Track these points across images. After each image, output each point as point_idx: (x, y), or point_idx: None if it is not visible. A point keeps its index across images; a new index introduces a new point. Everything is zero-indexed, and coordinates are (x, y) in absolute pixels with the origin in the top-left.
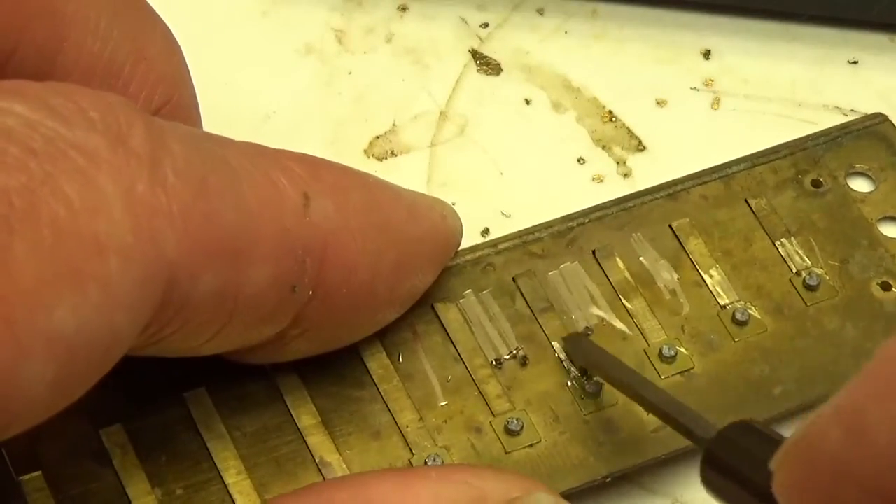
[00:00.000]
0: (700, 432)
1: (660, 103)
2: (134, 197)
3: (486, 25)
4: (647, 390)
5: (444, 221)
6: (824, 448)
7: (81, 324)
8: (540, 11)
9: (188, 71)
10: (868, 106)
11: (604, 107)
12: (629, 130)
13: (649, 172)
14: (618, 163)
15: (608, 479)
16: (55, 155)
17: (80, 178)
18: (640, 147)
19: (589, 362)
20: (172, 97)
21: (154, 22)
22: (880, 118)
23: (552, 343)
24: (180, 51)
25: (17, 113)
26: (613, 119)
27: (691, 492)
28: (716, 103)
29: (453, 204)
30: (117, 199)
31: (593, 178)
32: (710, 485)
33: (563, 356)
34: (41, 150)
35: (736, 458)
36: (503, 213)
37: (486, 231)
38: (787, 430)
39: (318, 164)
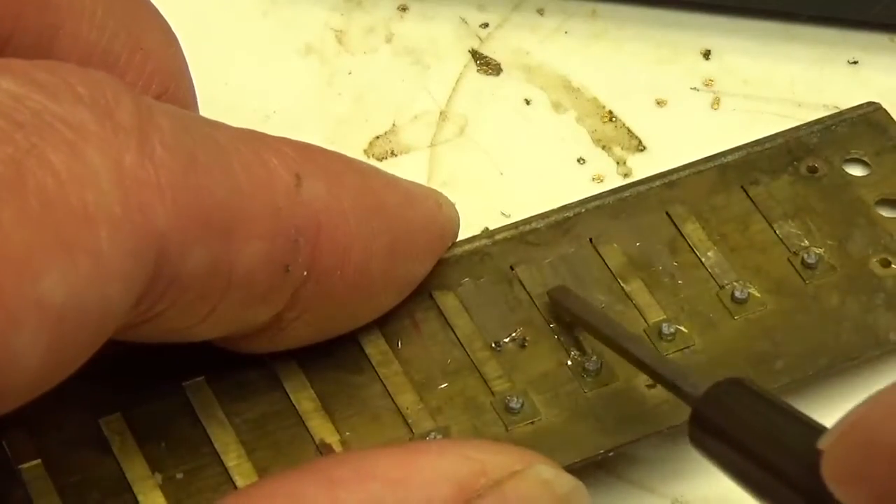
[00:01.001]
0: (688, 389)
1: (660, 103)
2: (122, 169)
3: (486, 25)
4: (634, 345)
5: (439, 209)
6: (885, 437)
7: (72, 294)
8: (540, 11)
9: (186, 63)
10: None
11: (604, 107)
12: (629, 130)
13: (649, 172)
14: (618, 163)
15: (610, 454)
16: (42, 127)
17: (67, 149)
18: (640, 147)
19: (575, 316)
20: (169, 88)
21: (151, 13)
22: (874, 106)
23: (551, 325)
24: (178, 42)
25: (3, 88)
26: (613, 119)
27: (691, 492)
28: (716, 103)
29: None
30: (105, 171)
31: (593, 178)
32: (697, 442)
33: (562, 337)
34: (28, 123)
35: (724, 415)
36: (503, 213)
37: (485, 230)
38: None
39: (311, 148)
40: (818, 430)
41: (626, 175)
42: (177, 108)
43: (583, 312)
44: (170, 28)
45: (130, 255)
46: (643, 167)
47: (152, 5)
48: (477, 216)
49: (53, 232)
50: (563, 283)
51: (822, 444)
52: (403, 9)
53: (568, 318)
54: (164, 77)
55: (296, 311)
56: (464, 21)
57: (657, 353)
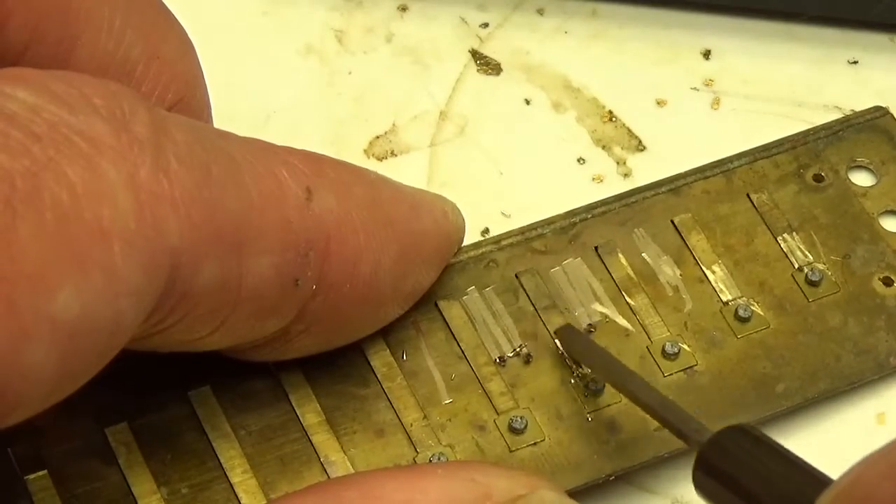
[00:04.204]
0: (692, 434)
1: (660, 103)
2: (137, 183)
3: (486, 25)
4: (639, 388)
5: (445, 218)
6: (881, 498)
7: (85, 308)
8: (540, 11)
9: (201, 71)
10: (868, 106)
11: (604, 107)
12: (629, 130)
13: (649, 172)
14: (618, 163)
15: (611, 478)
16: (58, 140)
17: (84, 163)
18: (640, 147)
19: (582, 356)
20: (184, 96)
21: (169, 21)
22: (881, 111)
23: (555, 340)
24: (194, 50)
25: (20, 98)
26: (613, 119)
27: (691, 492)
28: (716, 103)
29: None
30: (120, 185)
31: (593, 179)
32: (701, 488)
33: (566, 353)
34: (44, 135)
35: (729, 463)
36: (503, 213)
37: (486, 231)
38: (791, 427)
39: (320, 159)
40: (821, 480)
41: (626, 175)
42: (190, 119)
43: (589, 353)
44: (186, 35)
45: (143, 270)
46: (643, 167)
47: (169, 12)
48: (477, 216)
49: (68, 247)
50: (570, 323)
51: (821, 502)
52: (403, 9)
53: (575, 357)
54: (180, 86)
55: (304, 323)
56: (464, 21)
57: (662, 397)
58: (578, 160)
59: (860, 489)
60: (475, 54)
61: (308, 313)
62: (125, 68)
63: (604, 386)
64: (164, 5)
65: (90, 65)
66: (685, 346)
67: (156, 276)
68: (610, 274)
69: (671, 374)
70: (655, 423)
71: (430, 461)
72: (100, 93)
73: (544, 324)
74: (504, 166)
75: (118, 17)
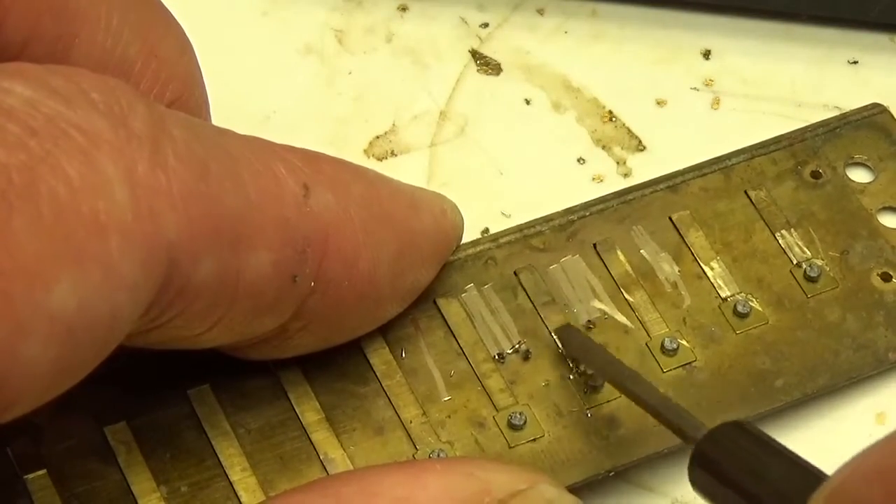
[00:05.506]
0: (690, 431)
1: (660, 103)
2: (134, 177)
3: (486, 25)
4: (638, 386)
5: (444, 216)
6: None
7: (82, 303)
8: (540, 11)
9: (199, 70)
10: None
11: (604, 107)
12: (629, 130)
13: (649, 172)
14: (618, 163)
15: (611, 474)
16: (56, 134)
17: (81, 157)
18: (640, 147)
19: (581, 355)
20: (182, 95)
21: (167, 20)
22: (879, 108)
23: (554, 337)
24: (192, 49)
25: (17, 93)
26: (613, 119)
27: (691, 491)
28: (716, 103)
29: None
30: (118, 180)
31: (593, 178)
32: (697, 484)
33: (565, 352)
34: (41, 129)
35: (724, 458)
36: (503, 213)
37: (485, 231)
38: (789, 423)
39: (318, 157)
40: (816, 476)
41: (626, 175)
42: (188, 115)
43: (588, 352)
44: (184, 34)
45: (141, 264)
46: (643, 167)
47: (167, 11)
48: (477, 216)
49: (65, 241)
50: (570, 323)
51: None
52: (403, 9)
53: (574, 356)
54: (178, 84)
55: (302, 320)
56: (464, 21)
57: (660, 394)
58: (578, 160)
59: (848, 492)
60: (475, 54)
61: (306, 311)
62: (123, 66)
63: (603, 382)
64: (162, 4)
65: (88, 62)
66: (684, 342)
67: (153, 271)
68: (608, 271)
69: (670, 370)
70: (654, 419)
71: (430, 458)
72: (98, 87)
73: (543, 320)
74: (504, 166)
75: (116, 15)
